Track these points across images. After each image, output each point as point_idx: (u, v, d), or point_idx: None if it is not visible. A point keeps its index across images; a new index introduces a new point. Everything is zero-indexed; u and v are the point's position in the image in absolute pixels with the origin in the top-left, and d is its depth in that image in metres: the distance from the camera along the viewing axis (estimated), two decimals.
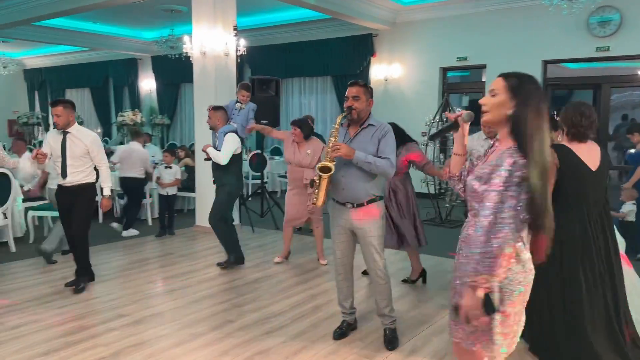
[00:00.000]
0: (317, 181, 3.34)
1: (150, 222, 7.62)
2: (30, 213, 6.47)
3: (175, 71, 13.61)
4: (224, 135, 5.23)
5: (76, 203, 4.58)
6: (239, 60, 7.41)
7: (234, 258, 5.42)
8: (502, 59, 9.01)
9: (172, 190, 6.90)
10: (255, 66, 12.17)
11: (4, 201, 5.77)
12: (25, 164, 4.83)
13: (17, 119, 12.34)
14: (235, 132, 5.40)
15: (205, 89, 7.25)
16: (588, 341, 3.04)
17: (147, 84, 15.09)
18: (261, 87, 7.46)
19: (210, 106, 5.54)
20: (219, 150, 5.19)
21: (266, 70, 11.71)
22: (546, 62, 8.99)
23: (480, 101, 2.10)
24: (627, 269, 3.51)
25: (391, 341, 3.56)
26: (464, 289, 2.00)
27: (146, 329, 3.82)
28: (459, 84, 10.94)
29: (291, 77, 12.04)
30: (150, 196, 7.65)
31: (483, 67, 9.56)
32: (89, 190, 4.66)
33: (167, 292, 4.72)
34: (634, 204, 5.85)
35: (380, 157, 3.32)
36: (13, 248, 5.97)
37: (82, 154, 4.53)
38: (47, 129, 12.11)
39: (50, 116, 16.89)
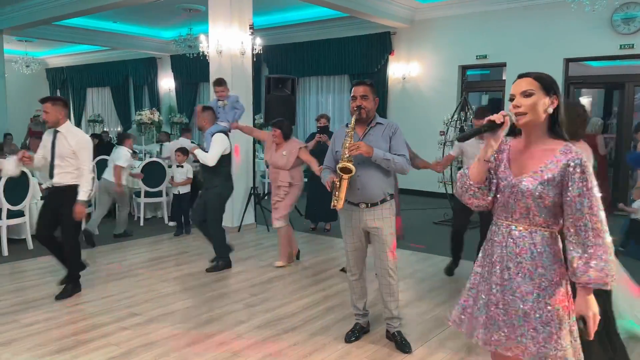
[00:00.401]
0: (338, 183, 3.30)
1: (166, 221, 7.65)
2: None
3: (194, 70, 13.71)
4: (212, 136, 5.12)
5: (64, 205, 4.32)
6: (254, 59, 7.39)
7: (223, 263, 5.32)
8: (522, 57, 8.84)
9: (183, 189, 6.91)
10: (273, 65, 12.17)
11: (21, 199, 5.84)
12: (9, 165, 4.63)
13: (34, 118, 12.52)
14: (224, 132, 5.29)
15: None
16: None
17: (167, 83, 15.21)
18: (277, 86, 7.42)
19: (199, 106, 5.42)
20: (208, 152, 5.09)
21: (284, 69, 11.72)
22: (568, 60, 8.80)
23: (514, 103, 2.01)
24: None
25: (405, 344, 3.50)
26: (584, 298, 1.94)
27: (158, 329, 3.82)
28: (479, 83, 10.79)
29: (308, 75, 12.01)
30: (167, 194, 7.69)
31: (503, 65, 9.40)
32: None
33: (181, 291, 4.72)
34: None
35: (395, 154, 3.33)
36: (31, 245, 6.04)
37: (67, 155, 4.32)
38: None
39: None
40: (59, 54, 17.21)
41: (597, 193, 1.93)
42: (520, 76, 2.04)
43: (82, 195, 4.34)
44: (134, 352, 3.43)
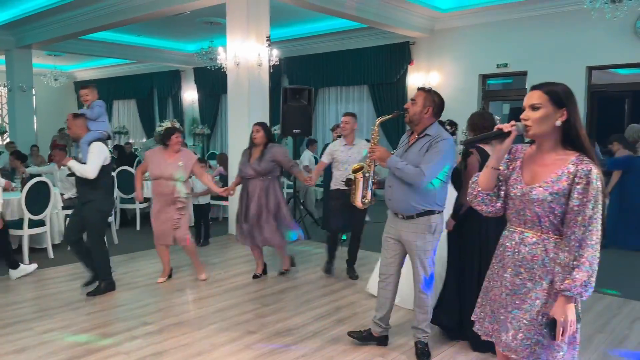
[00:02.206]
0: (353, 180, 3.50)
1: None
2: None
3: (216, 82, 13.88)
4: (88, 145, 4.65)
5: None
6: (271, 71, 7.45)
7: (105, 285, 4.86)
8: (544, 65, 8.71)
9: (203, 200, 6.95)
10: (293, 76, 12.25)
11: (43, 209, 5.96)
12: None
13: (60, 130, 12.82)
14: (102, 139, 4.80)
15: (239, 99, 7.33)
16: None
17: (190, 95, 15.44)
18: (294, 97, 7.46)
19: (70, 114, 4.84)
20: (85, 163, 4.62)
21: (303, 80, 11.78)
22: (590, 69, 8.63)
23: (522, 116, 2.05)
24: None
25: (423, 354, 3.45)
26: (562, 304, 1.98)
27: (167, 338, 3.83)
28: (500, 92, 10.65)
29: (328, 86, 12.05)
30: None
31: (524, 74, 9.26)
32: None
33: (193, 300, 4.74)
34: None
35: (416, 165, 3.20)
36: (51, 254, 6.16)
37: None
38: None
39: None
40: (87, 67, 17.65)
41: (596, 206, 1.93)
42: (533, 88, 2.06)
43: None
44: None
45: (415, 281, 3.40)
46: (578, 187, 1.94)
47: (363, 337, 3.66)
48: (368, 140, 5.00)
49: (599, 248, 1.95)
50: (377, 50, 10.94)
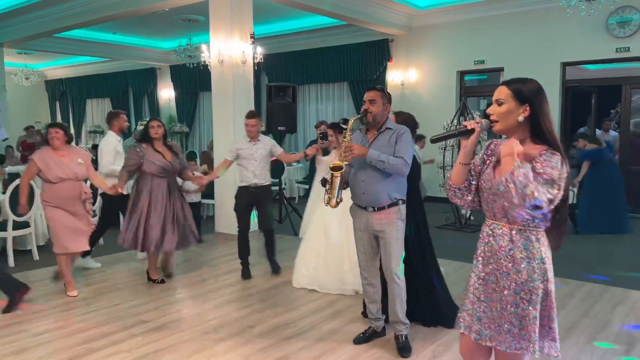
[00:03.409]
0: (329, 179, 3.42)
1: None
2: None
3: (194, 80, 13.79)
4: None
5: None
6: (256, 68, 7.47)
7: (13, 298, 4.39)
8: (520, 61, 8.94)
9: (196, 198, 6.92)
10: (272, 73, 12.25)
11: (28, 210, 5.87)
12: None
13: (26, 129, 12.57)
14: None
15: (223, 97, 7.33)
16: None
17: (166, 93, 15.28)
18: (278, 94, 7.51)
19: None
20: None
21: (283, 77, 11.80)
22: (565, 64, 8.90)
23: (488, 111, 2.12)
24: None
25: (405, 348, 3.51)
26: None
27: (168, 335, 3.86)
28: (477, 88, 10.87)
29: (308, 83, 12.09)
30: None
31: (501, 69, 9.49)
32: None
33: (188, 298, 4.76)
34: (572, 188, 7.18)
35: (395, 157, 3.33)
36: (37, 256, 6.08)
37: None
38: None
39: (72, 126, 17.15)
40: (58, 65, 17.29)
41: (548, 193, 1.94)
42: (502, 83, 2.14)
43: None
44: (146, 357, 3.48)
45: (389, 271, 3.46)
46: (540, 178, 1.96)
47: (368, 338, 3.72)
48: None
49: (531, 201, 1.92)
50: (356, 47, 11.04)
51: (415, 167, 3.83)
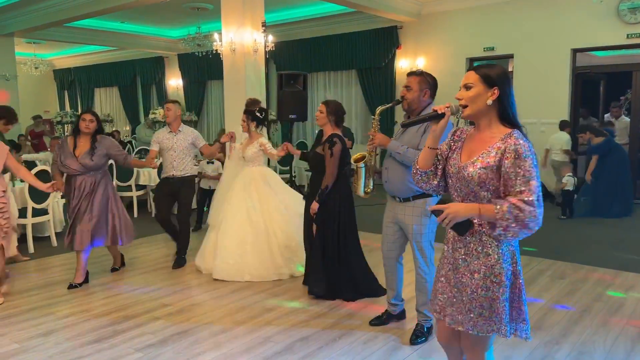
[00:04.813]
0: (355, 170, 3.47)
1: None
2: None
3: (202, 68, 13.83)
4: None
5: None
6: (267, 56, 7.51)
7: None
8: (529, 48, 8.94)
9: (214, 185, 7.01)
10: (281, 61, 12.27)
11: (45, 197, 5.98)
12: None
13: (35, 119, 12.64)
14: None
15: (235, 86, 7.38)
16: None
17: (174, 81, 15.33)
18: (289, 82, 7.53)
19: None
20: None
21: (291, 65, 11.82)
22: (575, 51, 8.88)
23: (456, 96, 2.15)
24: None
25: (418, 335, 3.52)
26: (470, 207, 2.05)
27: (189, 318, 3.96)
28: None
29: (316, 71, 12.09)
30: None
31: (510, 56, 9.49)
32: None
33: (206, 282, 4.85)
34: (571, 175, 7.58)
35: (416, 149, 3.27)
36: (55, 242, 6.19)
37: None
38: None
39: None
40: (66, 54, 17.36)
41: (527, 179, 1.97)
42: (469, 69, 2.18)
43: None
44: (169, 339, 3.57)
45: (415, 264, 3.48)
46: (506, 161, 2.00)
47: (384, 321, 3.79)
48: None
49: (534, 218, 1.96)
50: (365, 34, 11.04)
51: (344, 152, 4.15)
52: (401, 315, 3.85)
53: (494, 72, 2.09)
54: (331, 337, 3.60)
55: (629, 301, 4.27)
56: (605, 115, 9.50)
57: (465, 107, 2.12)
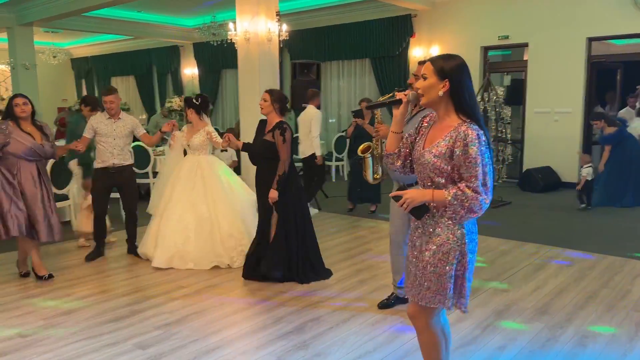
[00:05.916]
0: (363, 160, 3.62)
1: None
2: None
3: (217, 57, 13.93)
4: None
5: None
6: (281, 46, 7.58)
7: None
8: (544, 37, 8.89)
9: None
10: (294, 50, 12.31)
11: (66, 182, 6.16)
12: None
13: (68, 109, 12.88)
14: None
15: (249, 75, 7.46)
16: None
17: (189, 70, 15.47)
18: (302, 71, 7.63)
19: None
20: None
21: (305, 54, 11.86)
22: (590, 40, 8.82)
23: (416, 85, 2.30)
24: None
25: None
26: (425, 192, 2.23)
27: (205, 299, 4.11)
28: (501, 63, 10.82)
29: (329, 60, 12.13)
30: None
31: (525, 45, 9.44)
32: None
33: (221, 266, 4.99)
34: (590, 166, 7.51)
35: None
36: (75, 227, 6.37)
37: None
38: None
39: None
40: (84, 43, 17.57)
41: (475, 166, 2.12)
42: (427, 60, 2.32)
43: None
44: (186, 318, 3.73)
45: None
46: (457, 149, 2.15)
47: (392, 304, 3.91)
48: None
49: (477, 203, 2.13)
50: (379, 23, 11.04)
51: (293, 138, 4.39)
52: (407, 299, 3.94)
53: (447, 65, 2.21)
54: (341, 319, 3.72)
55: (635, 288, 4.32)
56: (620, 112, 9.34)
57: (421, 95, 2.27)
